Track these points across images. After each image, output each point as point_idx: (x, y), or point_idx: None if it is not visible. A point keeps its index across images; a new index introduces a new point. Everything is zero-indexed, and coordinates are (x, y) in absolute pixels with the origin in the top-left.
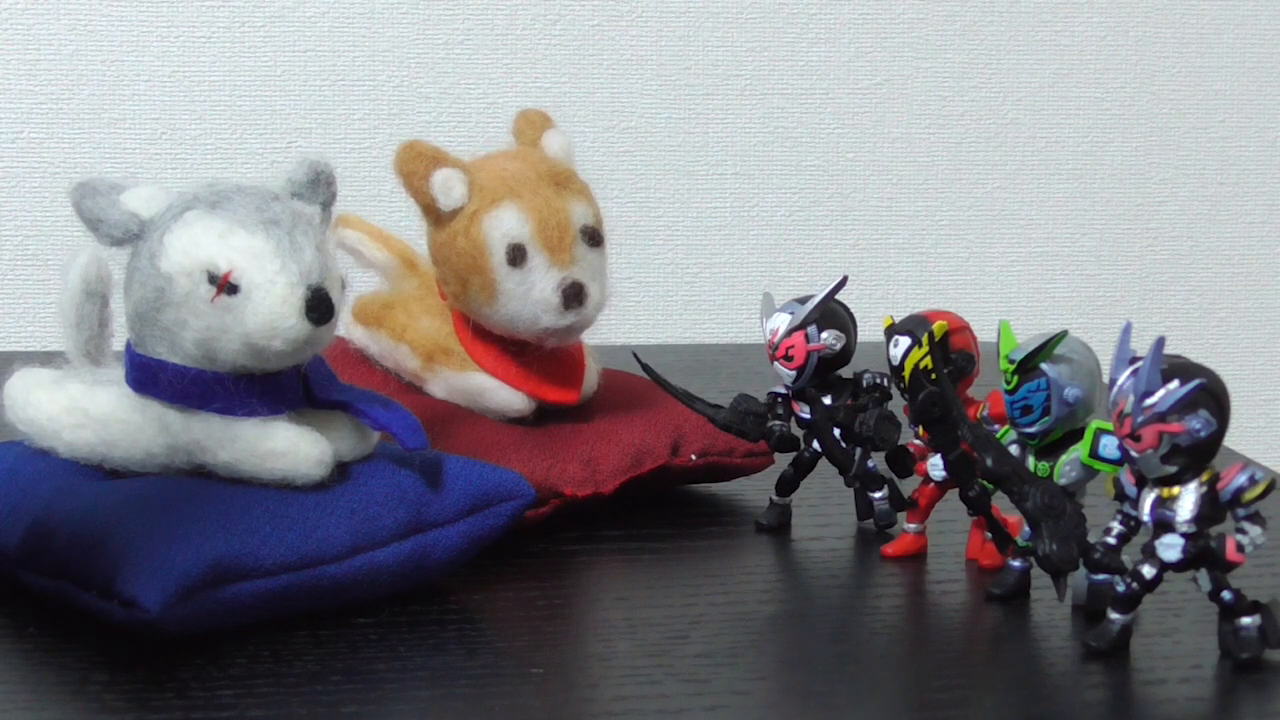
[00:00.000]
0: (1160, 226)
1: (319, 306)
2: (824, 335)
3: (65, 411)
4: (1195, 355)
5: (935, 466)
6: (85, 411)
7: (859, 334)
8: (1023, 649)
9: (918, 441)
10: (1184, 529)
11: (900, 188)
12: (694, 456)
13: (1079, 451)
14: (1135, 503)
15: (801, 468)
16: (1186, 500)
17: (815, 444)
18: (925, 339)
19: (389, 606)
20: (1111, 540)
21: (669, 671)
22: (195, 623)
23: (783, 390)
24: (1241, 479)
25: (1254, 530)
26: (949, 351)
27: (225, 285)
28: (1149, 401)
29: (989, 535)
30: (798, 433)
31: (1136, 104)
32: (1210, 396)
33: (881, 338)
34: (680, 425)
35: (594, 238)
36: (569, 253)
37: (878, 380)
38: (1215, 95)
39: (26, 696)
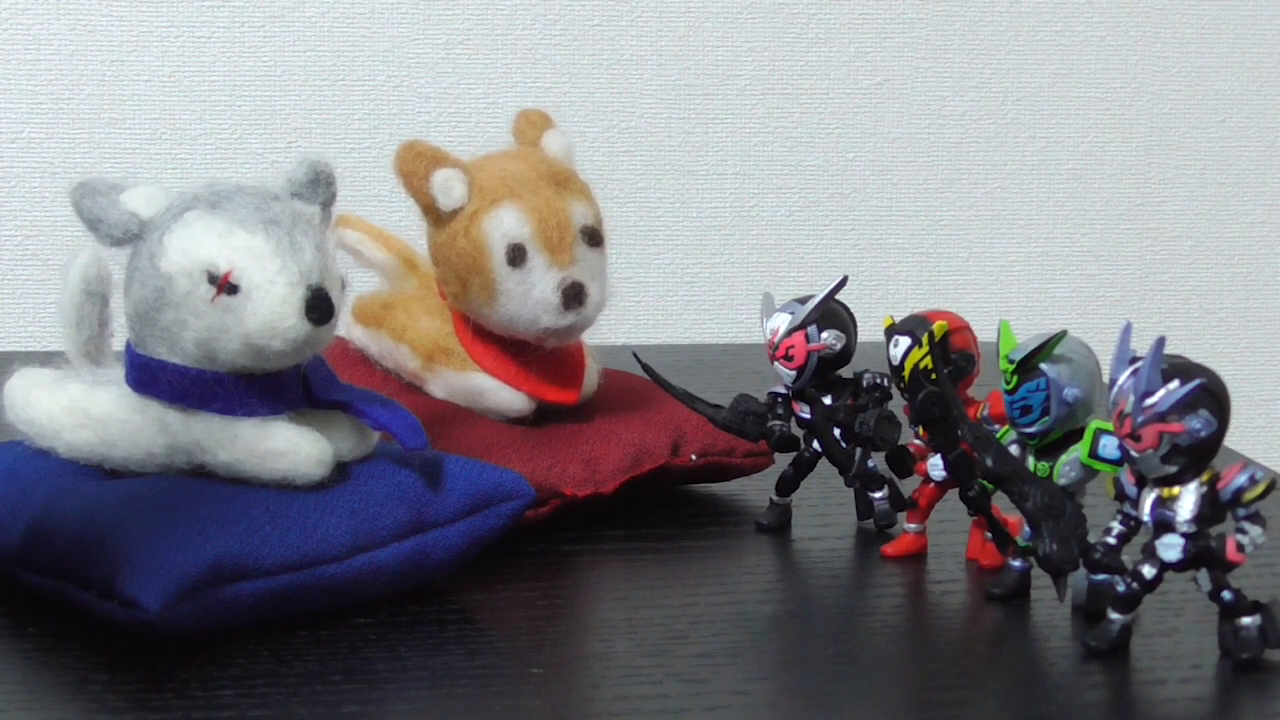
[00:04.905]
0: (1160, 226)
1: (319, 306)
2: (824, 335)
3: (65, 411)
4: (1195, 355)
5: (935, 466)
6: (85, 411)
7: (859, 334)
8: (1023, 649)
9: (918, 441)
10: (1184, 529)
11: (900, 188)
12: (694, 456)
13: (1079, 451)
14: (1135, 503)
15: (801, 468)
16: (1186, 500)
17: (815, 444)
18: (925, 339)
19: (389, 606)
20: (1111, 540)
21: (669, 671)
22: (195, 623)
23: (783, 390)
24: (1241, 479)
25: (1254, 530)
26: (949, 351)
27: (225, 285)
28: (1149, 401)
29: (989, 535)
30: (798, 433)
31: (1136, 104)
32: (1210, 396)
33: (881, 338)
34: (680, 425)
35: (594, 238)
36: (569, 253)
37: (878, 380)
38: (1215, 95)
39: (26, 696)
